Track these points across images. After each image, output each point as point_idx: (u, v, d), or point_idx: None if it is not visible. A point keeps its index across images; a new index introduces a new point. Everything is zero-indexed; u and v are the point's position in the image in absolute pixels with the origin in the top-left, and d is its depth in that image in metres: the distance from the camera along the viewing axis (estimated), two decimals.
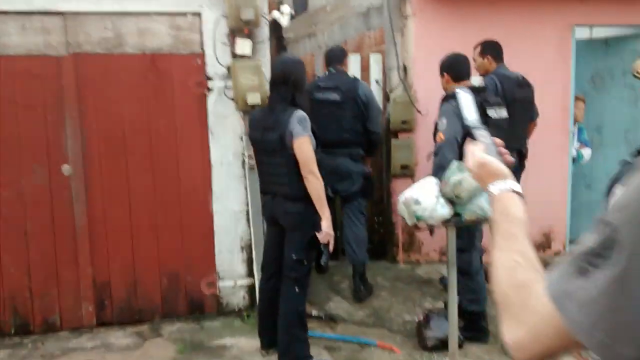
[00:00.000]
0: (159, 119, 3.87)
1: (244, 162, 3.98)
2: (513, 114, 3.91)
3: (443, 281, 4.63)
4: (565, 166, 5.26)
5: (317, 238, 3.22)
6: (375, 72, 4.93)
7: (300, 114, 3.06)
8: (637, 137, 5.47)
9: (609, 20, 5.07)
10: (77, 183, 3.81)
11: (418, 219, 3.20)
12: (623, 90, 5.48)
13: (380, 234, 5.15)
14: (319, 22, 7.14)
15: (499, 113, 3.59)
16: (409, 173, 4.92)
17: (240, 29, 3.76)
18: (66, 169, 3.79)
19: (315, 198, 3.12)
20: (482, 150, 1.18)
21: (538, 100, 4.88)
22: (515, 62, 4.58)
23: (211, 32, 3.82)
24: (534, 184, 4.74)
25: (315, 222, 3.18)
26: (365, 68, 5.12)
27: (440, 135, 3.42)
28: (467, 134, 3.51)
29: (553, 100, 5.08)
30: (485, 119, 3.51)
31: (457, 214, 3.29)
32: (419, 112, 4.84)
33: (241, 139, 3.96)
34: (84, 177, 3.81)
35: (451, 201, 3.25)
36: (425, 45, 4.83)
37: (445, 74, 3.75)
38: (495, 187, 1.08)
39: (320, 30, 7.14)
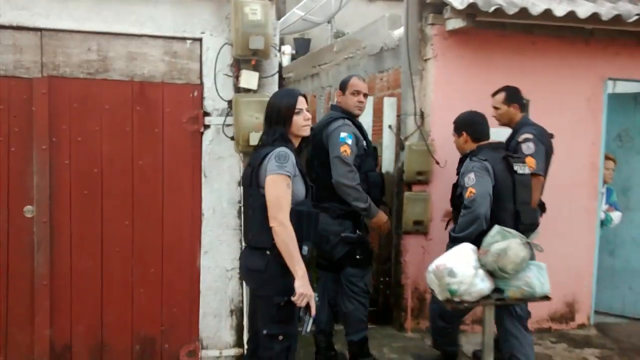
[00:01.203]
0: (144, 157, 3.32)
1: (240, 211, 3.42)
2: (547, 170, 3.76)
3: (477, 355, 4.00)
4: (593, 231, 4.78)
5: (293, 304, 2.50)
6: (390, 117, 4.46)
7: (280, 149, 2.52)
8: None
9: None
10: (40, 227, 3.21)
11: (452, 293, 2.65)
12: None
13: (386, 296, 4.57)
14: (324, 62, 6.76)
15: (522, 169, 3.17)
16: (422, 230, 4.42)
17: (247, 59, 3.26)
18: (29, 210, 3.20)
19: (284, 252, 2.44)
20: None
21: (566, 158, 4.46)
22: (541, 115, 4.18)
23: (212, 61, 3.32)
24: (557, 248, 4.26)
25: (285, 284, 2.47)
26: (377, 112, 4.66)
27: (472, 190, 3.01)
28: (496, 192, 3.07)
29: (581, 158, 4.66)
30: (511, 175, 3.15)
31: (498, 289, 2.75)
32: (437, 163, 4.35)
33: (239, 184, 3.41)
34: (50, 220, 3.22)
35: (491, 273, 2.72)
36: (445, 90, 4.41)
37: (464, 133, 3.42)
38: None
39: (324, 71, 6.75)
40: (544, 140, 3.75)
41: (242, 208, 2.79)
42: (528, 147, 3.62)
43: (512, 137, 3.84)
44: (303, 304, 2.48)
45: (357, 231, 3.50)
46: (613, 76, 4.67)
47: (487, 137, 3.44)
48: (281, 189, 2.46)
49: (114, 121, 3.27)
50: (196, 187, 3.39)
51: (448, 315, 3.34)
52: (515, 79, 4.25)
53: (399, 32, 4.78)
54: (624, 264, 5.20)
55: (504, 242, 2.62)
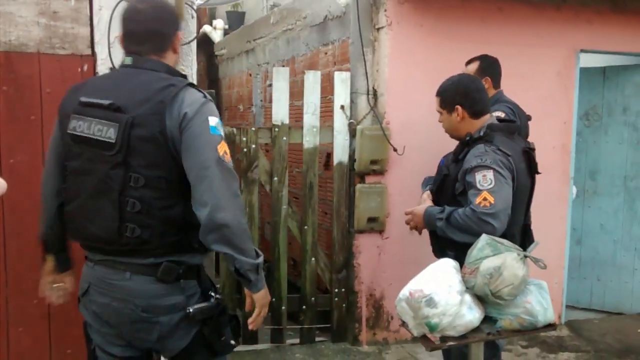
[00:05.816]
0: (16, 154, 2.49)
1: None
2: None
3: None
4: (564, 220, 4.31)
5: None
6: (341, 96, 3.76)
7: None
8: (639, 185, 4.63)
9: (620, 47, 4.22)
10: None
11: (432, 328, 2.00)
12: (623, 129, 4.66)
13: (342, 311, 3.93)
14: (259, 36, 5.97)
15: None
16: (377, 227, 3.82)
17: None
18: None
19: None
20: None
21: (535, 139, 3.93)
22: (508, 91, 3.63)
23: (106, 23, 2.50)
24: None
25: None
26: (324, 90, 3.95)
27: (490, 199, 2.12)
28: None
29: (552, 139, 4.16)
30: (531, 176, 2.45)
31: (488, 318, 2.14)
32: (394, 149, 3.72)
33: None
34: None
35: (480, 297, 2.10)
36: (402, 64, 3.77)
37: (458, 107, 2.46)
38: None
39: (260, 46, 5.97)
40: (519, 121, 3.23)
41: None
42: None
43: None
44: None
45: (213, 293, 1.82)
46: (586, 48, 4.16)
47: (488, 109, 2.54)
48: None
49: None
50: None
51: None
52: (480, 51, 3.67)
53: None
54: (592, 253, 4.82)
55: (497, 257, 1.98)
